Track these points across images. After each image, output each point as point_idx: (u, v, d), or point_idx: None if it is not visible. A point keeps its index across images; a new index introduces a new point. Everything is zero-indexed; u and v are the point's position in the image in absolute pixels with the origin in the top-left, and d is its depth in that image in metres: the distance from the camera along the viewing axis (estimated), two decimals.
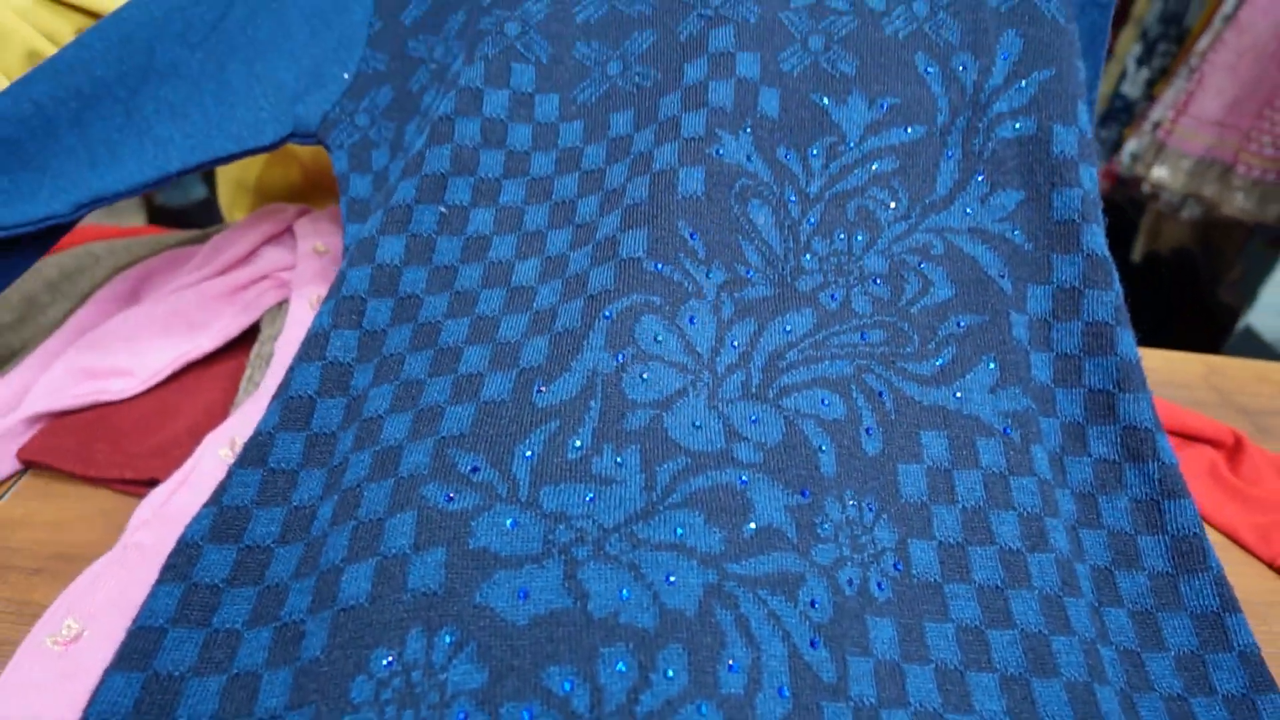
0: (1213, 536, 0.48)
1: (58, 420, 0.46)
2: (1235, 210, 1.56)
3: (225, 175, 0.73)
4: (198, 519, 0.32)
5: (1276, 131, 1.49)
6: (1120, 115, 2.01)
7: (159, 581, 0.30)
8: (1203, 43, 1.66)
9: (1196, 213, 1.70)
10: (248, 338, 0.52)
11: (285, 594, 0.29)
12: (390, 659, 0.26)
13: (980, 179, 0.40)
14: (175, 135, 0.44)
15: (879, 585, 0.31)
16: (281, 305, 0.53)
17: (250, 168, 0.70)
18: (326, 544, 0.30)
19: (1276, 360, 0.64)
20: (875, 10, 0.42)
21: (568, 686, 0.25)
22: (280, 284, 0.54)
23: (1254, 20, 1.49)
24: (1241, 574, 0.46)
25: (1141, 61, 1.96)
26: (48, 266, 0.56)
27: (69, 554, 0.40)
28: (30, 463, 0.44)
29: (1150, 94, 1.96)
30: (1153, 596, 0.34)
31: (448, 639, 0.26)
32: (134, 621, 0.29)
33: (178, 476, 0.41)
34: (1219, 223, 1.79)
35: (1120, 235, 2.11)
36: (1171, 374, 0.62)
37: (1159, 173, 1.63)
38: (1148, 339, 0.67)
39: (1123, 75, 2.00)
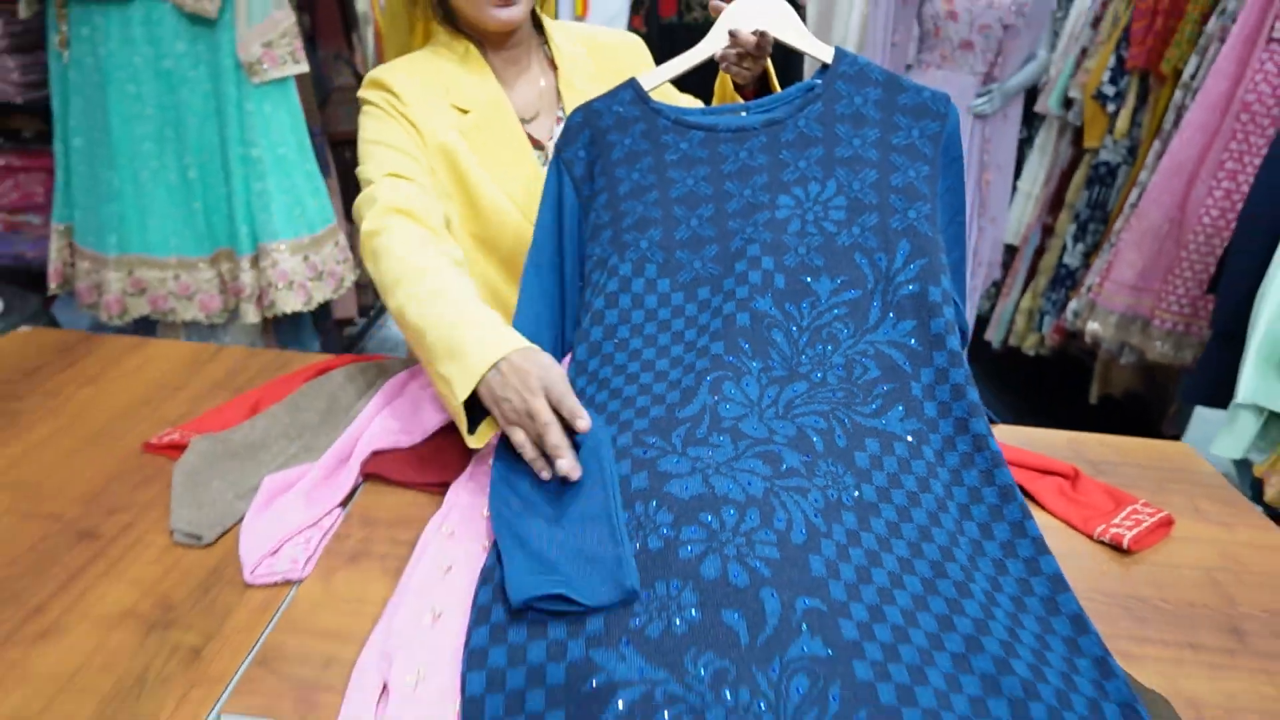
0: (1055, 522, 0.84)
1: (376, 455, 0.83)
2: (1157, 356, 1.98)
3: None
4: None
5: (1179, 293, 1.94)
6: (1065, 281, 2.49)
7: (497, 512, 0.67)
8: (1118, 224, 2.17)
9: (1133, 359, 2.12)
10: None
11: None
12: (627, 514, 0.62)
13: (892, 316, 0.80)
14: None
15: (846, 499, 0.67)
16: None
17: None
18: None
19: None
20: (832, 232, 0.83)
21: (709, 519, 0.61)
22: None
23: (1149, 209, 1.99)
24: (1071, 540, 0.81)
25: (1077, 238, 2.47)
26: (338, 377, 0.96)
27: (407, 518, 0.76)
28: (368, 476, 0.81)
29: (1088, 263, 2.45)
30: (988, 515, 0.70)
31: (653, 504, 0.62)
32: (493, 520, 0.65)
33: (463, 478, 0.78)
34: (1160, 368, 2.20)
35: (1079, 383, 2.53)
36: (1047, 442, 0.99)
37: (1092, 326, 2.07)
38: None
39: (1064, 249, 2.50)
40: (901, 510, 0.69)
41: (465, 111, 0.95)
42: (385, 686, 0.57)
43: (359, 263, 2.43)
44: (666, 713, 0.52)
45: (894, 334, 0.79)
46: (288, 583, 0.68)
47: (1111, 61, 2.26)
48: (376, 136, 0.92)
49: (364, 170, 0.91)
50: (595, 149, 0.90)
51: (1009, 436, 0.98)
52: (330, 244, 1.81)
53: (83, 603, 0.65)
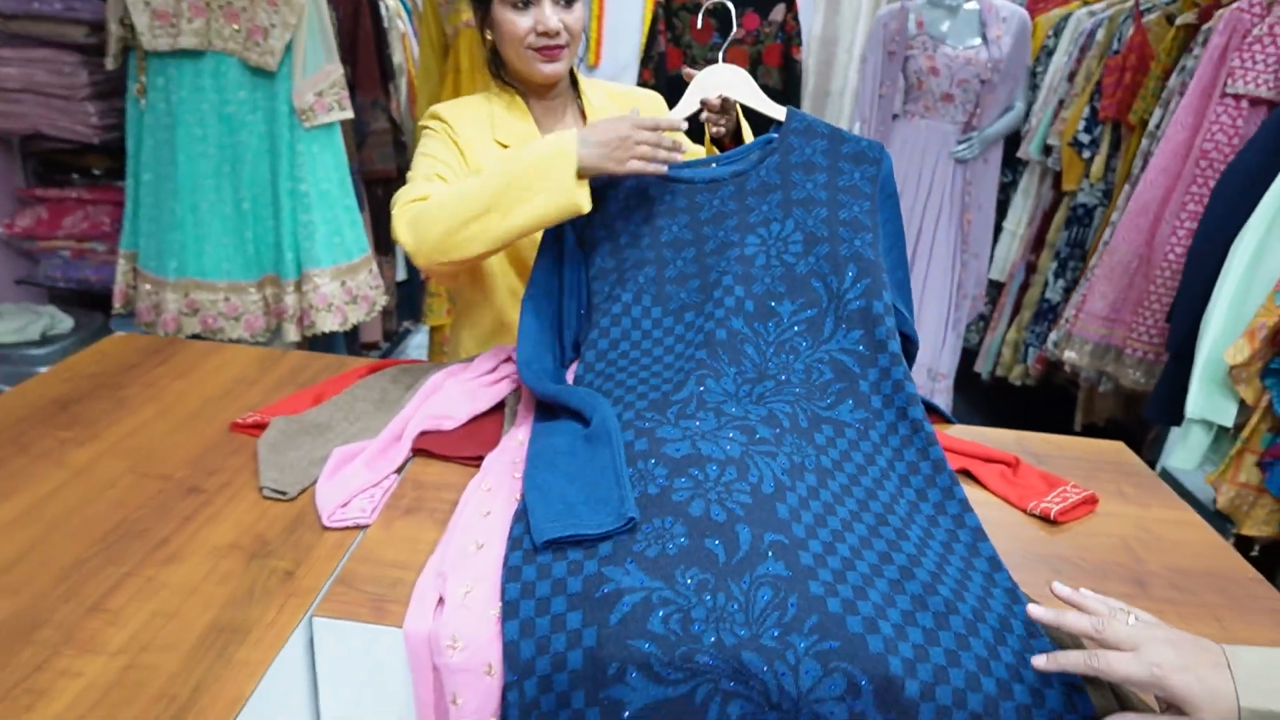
0: (996, 499, 0.99)
1: (424, 434, 1.00)
2: (1130, 383, 2.14)
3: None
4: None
5: (1148, 324, 2.10)
6: (1048, 315, 2.65)
7: (529, 471, 0.83)
8: (1093, 261, 2.34)
9: (1110, 386, 2.27)
10: (501, 405, 1.08)
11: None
12: (630, 470, 0.79)
13: (844, 328, 0.97)
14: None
15: (808, 464, 0.84)
16: (516, 390, 1.09)
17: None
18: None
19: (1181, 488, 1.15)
20: (791, 263, 1.00)
21: (696, 472, 0.77)
22: (515, 380, 1.10)
23: (1120, 246, 2.17)
24: (1008, 514, 0.97)
25: (1058, 274, 2.63)
26: (386, 375, 1.13)
27: (450, 483, 0.93)
28: (417, 450, 0.98)
29: (1068, 298, 2.62)
30: (924, 482, 0.86)
31: (652, 461, 0.79)
32: (524, 477, 0.82)
33: (496, 451, 0.95)
34: (1138, 396, 2.35)
35: (1064, 411, 2.67)
36: (997, 439, 1.15)
37: (1069, 354, 2.23)
38: None
39: (1046, 284, 2.67)
40: (852, 477, 0.85)
41: (505, 146, 1.15)
42: (440, 599, 0.73)
43: (388, 289, 2.62)
44: (661, 612, 0.67)
45: (845, 342, 0.96)
46: (358, 527, 0.85)
47: (1086, 112, 2.46)
48: (428, 150, 1.14)
49: (411, 172, 1.12)
50: (594, 203, 1.08)
51: (964, 433, 1.14)
52: (365, 271, 2.00)
53: (197, 538, 0.82)
